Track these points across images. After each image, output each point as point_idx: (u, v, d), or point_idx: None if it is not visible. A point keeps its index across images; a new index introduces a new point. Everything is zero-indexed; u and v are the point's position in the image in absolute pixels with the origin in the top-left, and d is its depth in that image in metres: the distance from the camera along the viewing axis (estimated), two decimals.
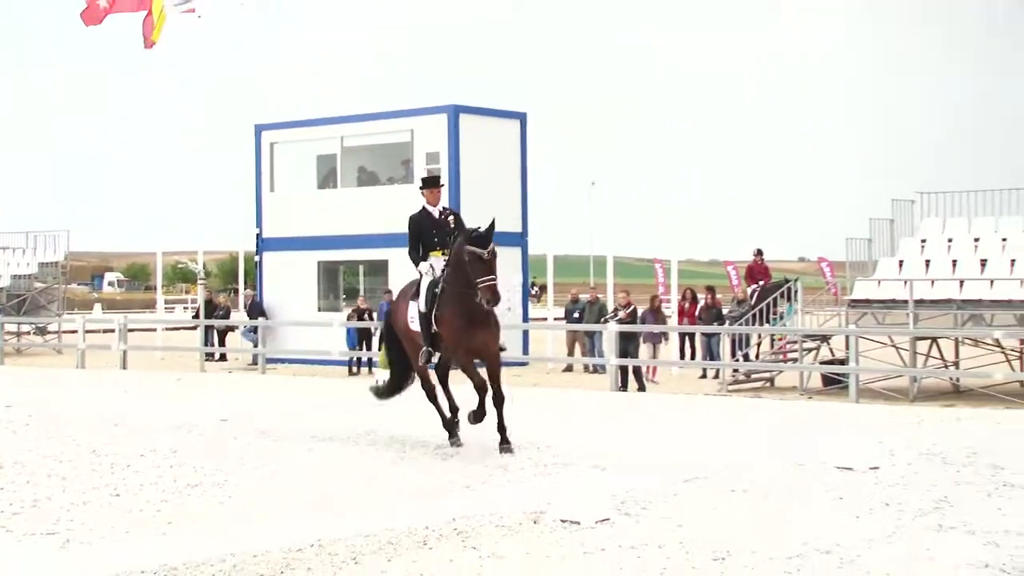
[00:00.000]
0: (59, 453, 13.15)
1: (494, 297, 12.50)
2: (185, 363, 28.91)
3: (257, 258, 30.81)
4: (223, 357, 30.92)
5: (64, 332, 37.06)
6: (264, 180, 30.29)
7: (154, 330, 38.17)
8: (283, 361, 28.42)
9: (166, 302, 52.74)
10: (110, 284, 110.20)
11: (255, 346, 28.68)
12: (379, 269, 28.48)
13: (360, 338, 27.19)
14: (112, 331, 30.53)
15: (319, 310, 28.95)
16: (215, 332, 31.20)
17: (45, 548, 8.08)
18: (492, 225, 12.82)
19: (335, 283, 29.94)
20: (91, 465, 12.30)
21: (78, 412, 17.59)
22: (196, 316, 32.48)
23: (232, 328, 31.91)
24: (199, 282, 33.10)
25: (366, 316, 26.95)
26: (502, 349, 13.63)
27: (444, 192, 14.65)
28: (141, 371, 27.08)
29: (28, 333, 38.62)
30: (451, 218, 13.79)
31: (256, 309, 29.91)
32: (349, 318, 27.35)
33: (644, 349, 23.86)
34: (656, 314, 24.98)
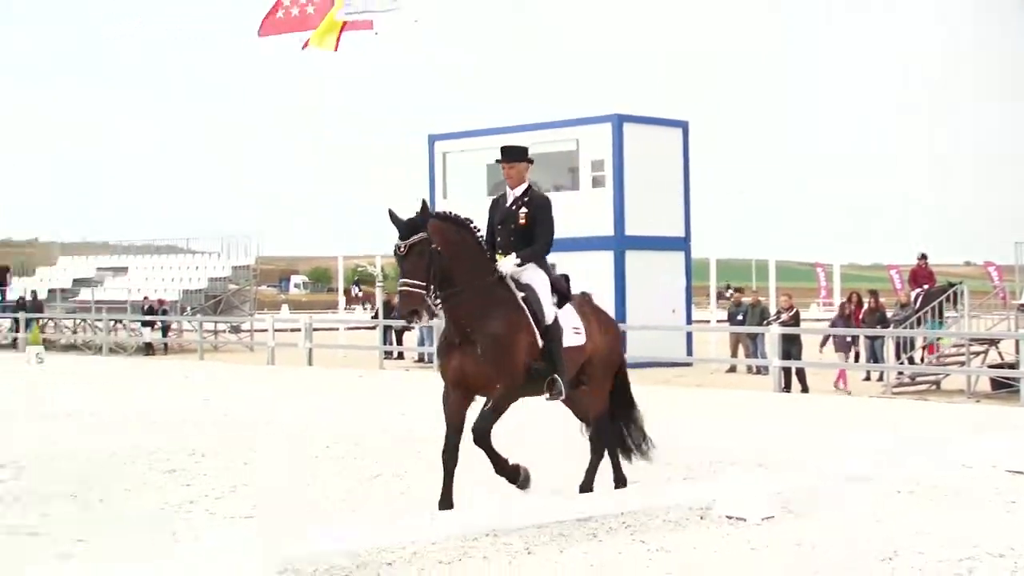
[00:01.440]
0: (254, 444, 13.48)
1: (402, 308, 8.42)
2: (365, 360, 29.36)
3: None
4: (400, 355, 31.39)
5: (255, 331, 37.93)
6: (437, 187, 30.59)
7: (336, 329, 39.20)
8: None
9: (347, 303, 53.81)
10: (296, 286, 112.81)
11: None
12: None
13: None
14: (298, 330, 31.23)
15: None
16: (393, 331, 31.60)
17: (243, 530, 8.22)
18: (423, 207, 8.54)
19: None
20: (284, 455, 12.58)
21: (271, 406, 18.04)
22: (375, 316, 32.97)
23: (408, 328, 32.28)
24: (377, 284, 33.58)
25: None
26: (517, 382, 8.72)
27: (527, 171, 9.44)
28: (325, 368, 27.73)
29: (223, 331, 39.59)
30: (523, 211, 9.15)
31: None
32: None
33: (838, 358, 23.29)
34: (848, 320, 24.27)
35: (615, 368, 9.88)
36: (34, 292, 40.54)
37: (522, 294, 8.85)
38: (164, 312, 36.70)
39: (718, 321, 34.15)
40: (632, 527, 8.64)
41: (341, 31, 27.33)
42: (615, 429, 9.95)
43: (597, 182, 27.64)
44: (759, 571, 7.36)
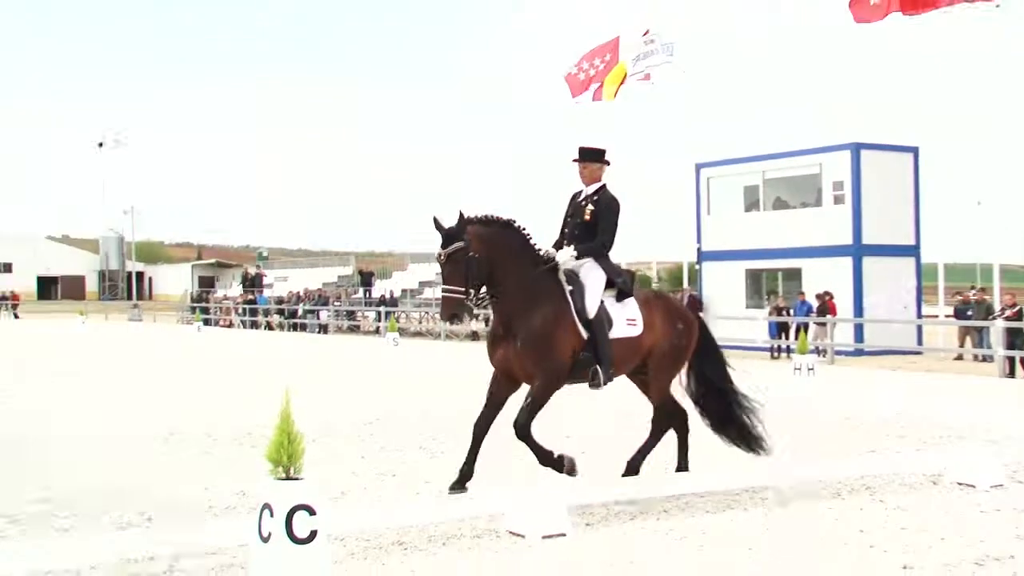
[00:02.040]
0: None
1: (443, 312, 7.62)
2: None
3: (698, 266, 31.09)
4: None
5: None
6: (702, 206, 30.59)
7: None
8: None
9: None
10: None
11: None
12: (794, 275, 28.06)
13: (779, 329, 26.71)
14: None
15: (746, 307, 28.88)
16: None
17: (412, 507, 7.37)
18: (460, 217, 7.56)
19: (758, 285, 29.55)
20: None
21: None
22: None
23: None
24: (654, 285, 33.78)
25: (784, 312, 26.63)
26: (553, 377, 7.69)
27: (602, 172, 8.24)
28: None
29: None
30: (589, 208, 8.13)
31: (695, 305, 30.21)
32: (770, 314, 27.01)
33: None
34: None
35: (682, 358, 8.45)
36: (391, 291, 43.13)
37: (570, 287, 7.84)
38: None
39: (946, 316, 32.25)
40: (871, 489, 8.21)
41: (621, 84, 27.75)
42: (736, 419, 8.61)
43: (838, 200, 26.97)
44: (987, 532, 6.86)
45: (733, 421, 8.62)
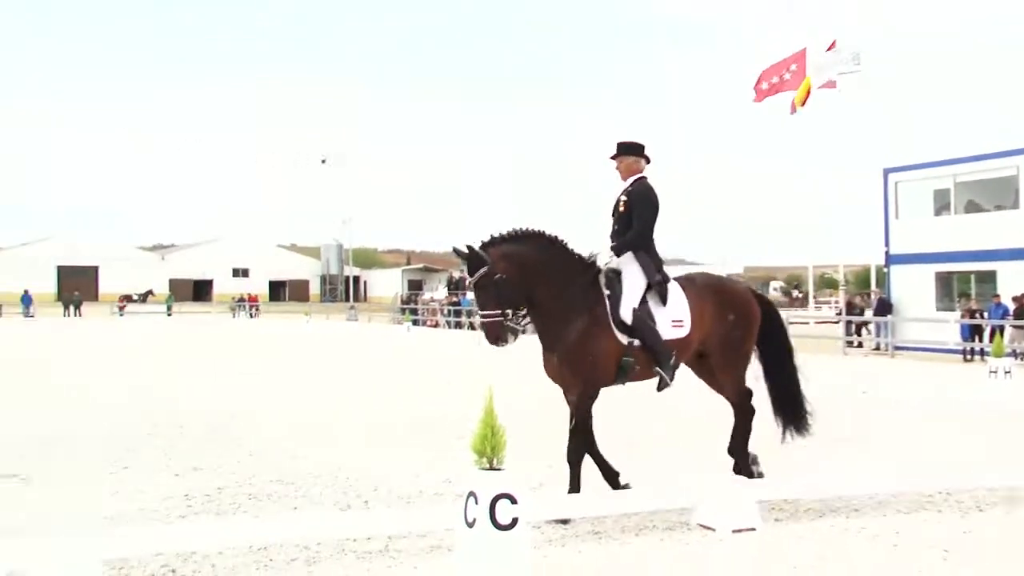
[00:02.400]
0: None
1: (487, 338, 7.00)
2: (830, 348, 28.33)
3: (886, 269, 29.77)
4: (859, 344, 30.12)
5: None
6: (891, 210, 29.19)
7: (807, 323, 38.26)
8: (907, 348, 27.12)
9: (816, 302, 52.65)
10: (773, 290, 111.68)
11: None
12: (988, 278, 26.37)
13: (972, 332, 25.16)
14: None
15: (936, 310, 27.36)
16: (853, 325, 30.42)
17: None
18: (470, 251, 6.98)
19: (949, 288, 27.93)
20: None
21: None
22: (839, 313, 31.77)
23: (866, 323, 30.87)
24: (841, 287, 32.59)
25: (977, 315, 25.06)
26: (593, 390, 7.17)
27: (638, 165, 7.53)
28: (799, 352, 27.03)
29: None
30: (623, 199, 7.48)
31: (883, 307, 28.89)
32: (962, 316, 25.49)
33: None
34: None
35: (740, 349, 7.72)
36: None
37: (608, 292, 7.19)
38: None
39: None
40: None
41: (809, 93, 27.00)
42: (791, 400, 8.02)
43: None
44: None
45: (788, 402, 8.05)
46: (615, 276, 7.28)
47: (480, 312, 7.09)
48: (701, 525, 6.60)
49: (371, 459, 9.24)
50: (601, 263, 7.32)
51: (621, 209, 7.48)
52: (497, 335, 6.96)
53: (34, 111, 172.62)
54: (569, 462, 7.10)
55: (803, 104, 27.02)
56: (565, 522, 6.71)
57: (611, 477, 7.25)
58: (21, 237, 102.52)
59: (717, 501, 6.56)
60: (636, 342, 7.14)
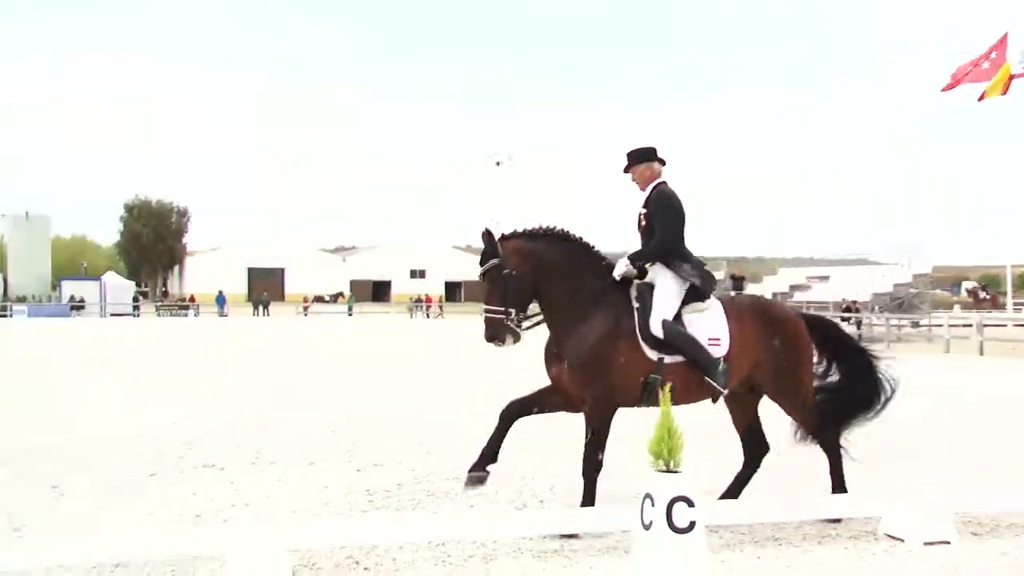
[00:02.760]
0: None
1: (486, 333, 6.57)
2: None
3: None
4: None
5: (932, 325, 37.30)
6: None
7: (1004, 326, 36.68)
8: None
9: (1014, 304, 49.74)
10: (966, 291, 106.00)
11: None
12: None
13: None
14: (969, 325, 30.02)
15: None
16: None
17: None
18: (488, 235, 6.65)
19: None
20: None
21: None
22: None
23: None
24: (1008, 288, 31.03)
25: None
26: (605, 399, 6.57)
27: (650, 172, 6.91)
28: (995, 357, 25.63)
29: (905, 326, 39.20)
30: (643, 211, 6.89)
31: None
32: None
33: None
34: None
35: (793, 377, 6.93)
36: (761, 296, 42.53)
37: (638, 304, 6.62)
38: (857, 310, 37.84)
39: None
40: None
41: (1011, 80, 25.44)
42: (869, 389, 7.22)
43: None
44: None
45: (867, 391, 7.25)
46: (647, 289, 6.71)
47: (484, 307, 6.60)
48: (889, 536, 6.32)
49: (547, 458, 9.29)
50: (617, 273, 6.70)
51: (643, 223, 6.87)
52: (495, 333, 6.51)
53: (228, 115, 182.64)
54: (584, 477, 6.61)
55: (1003, 92, 25.48)
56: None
57: (491, 447, 6.73)
58: (214, 241, 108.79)
59: (908, 512, 6.26)
60: (667, 358, 6.53)
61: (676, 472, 5.22)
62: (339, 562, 5.89)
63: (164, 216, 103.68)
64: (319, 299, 79.93)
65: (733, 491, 7.06)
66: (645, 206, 6.86)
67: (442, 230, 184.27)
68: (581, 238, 6.84)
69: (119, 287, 70.78)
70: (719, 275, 51.57)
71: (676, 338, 6.51)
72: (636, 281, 6.76)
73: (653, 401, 6.34)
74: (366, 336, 38.44)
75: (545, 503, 7.57)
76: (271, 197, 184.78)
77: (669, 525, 5.08)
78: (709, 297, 6.77)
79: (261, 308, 68.85)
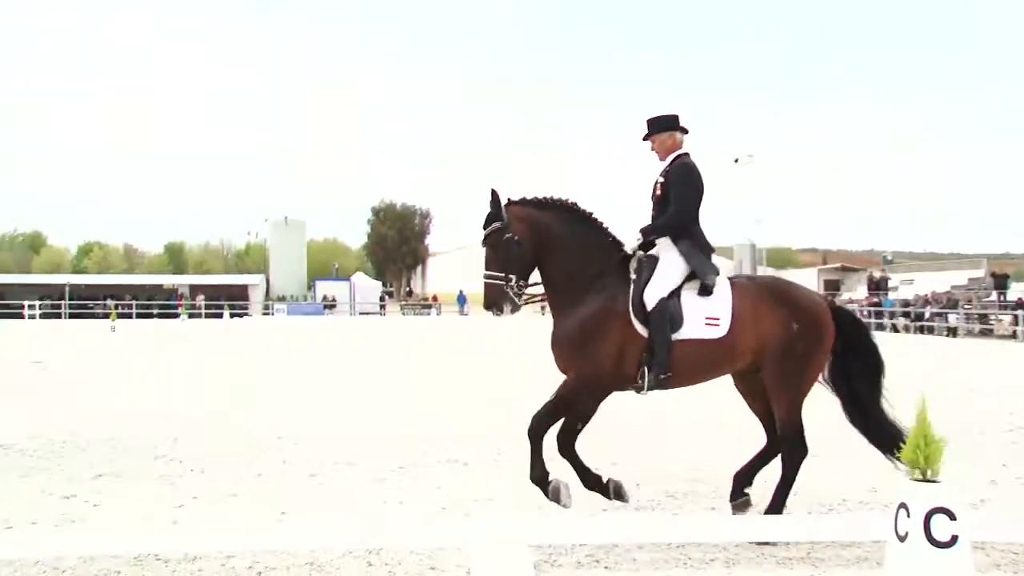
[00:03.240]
0: None
1: (485, 300, 6.36)
2: None
3: None
4: None
5: None
6: None
7: None
8: None
9: None
10: None
11: None
12: None
13: None
14: None
15: None
16: None
17: None
18: (494, 196, 6.35)
19: None
20: None
21: None
22: None
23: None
24: None
25: None
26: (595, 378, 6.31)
27: (674, 140, 6.62)
28: None
29: None
30: (660, 180, 6.59)
31: None
32: None
33: None
34: None
35: (804, 368, 6.39)
36: None
37: (635, 276, 6.31)
38: None
39: None
40: None
41: None
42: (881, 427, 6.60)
43: None
44: None
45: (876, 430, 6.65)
46: (648, 262, 6.43)
47: (484, 272, 6.36)
48: None
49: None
50: (629, 247, 6.47)
51: (658, 192, 6.56)
52: (494, 301, 6.31)
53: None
54: (531, 438, 6.41)
55: None
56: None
57: (587, 477, 6.59)
58: (455, 242, 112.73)
59: None
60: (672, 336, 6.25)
61: (934, 482, 4.93)
62: (580, 560, 5.96)
63: (408, 219, 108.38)
64: None
65: (743, 480, 6.73)
66: (664, 176, 6.56)
67: None
68: (591, 213, 6.58)
69: (367, 287, 74.88)
70: (978, 273, 48.20)
71: (655, 317, 6.21)
72: (639, 253, 6.50)
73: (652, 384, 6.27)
74: None
75: (789, 508, 7.33)
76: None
77: (928, 538, 4.80)
78: (711, 278, 6.37)
79: None
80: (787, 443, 6.50)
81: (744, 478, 6.77)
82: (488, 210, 6.36)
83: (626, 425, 11.86)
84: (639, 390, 6.37)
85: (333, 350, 28.06)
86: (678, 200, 6.45)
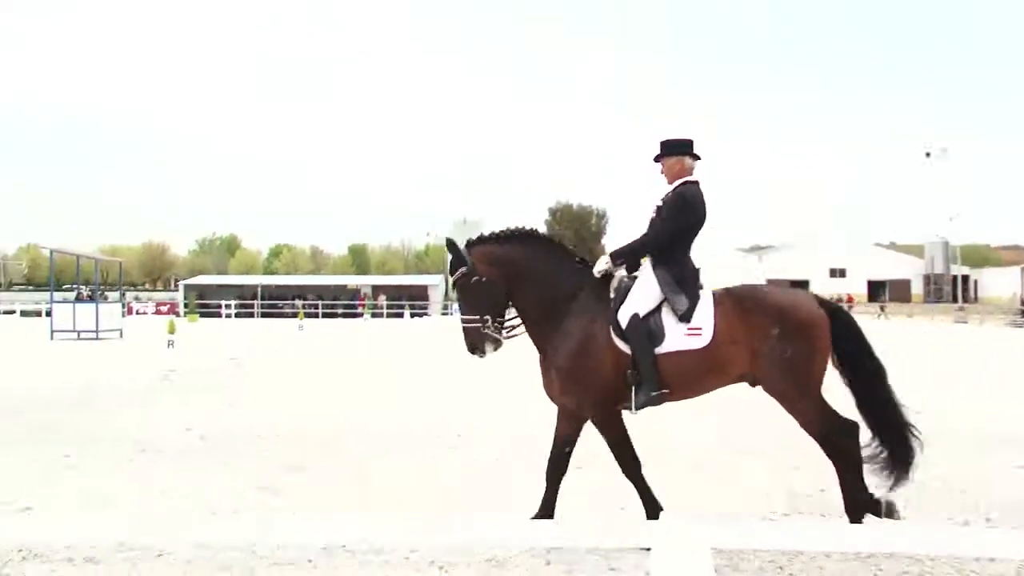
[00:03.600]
0: None
1: (465, 342, 6.43)
2: None
3: None
4: None
5: None
6: None
7: None
8: None
9: None
10: None
11: None
12: None
13: None
14: None
15: None
16: None
17: None
18: (451, 244, 6.55)
19: None
20: None
21: None
22: None
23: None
24: None
25: None
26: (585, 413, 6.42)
27: (682, 166, 6.51)
28: None
29: None
30: (658, 204, 6.51)
31: None
32: None
33: None
34: None
35: (799, 370, 6.11)
36: None
37: (613, 296, 6.33)
38: None
39: None
40: None
41: None
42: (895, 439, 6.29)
43: None
44: None
45: (890, 441, 6.32)
46: (628, 283, 6.41)
47: (460, 317, 6.48)
48: None
49: (986, 470, 8.52)
50: (597, 269, 6.46)
51: (652, 214, 6.52)
52: (474, 343, 6.40)
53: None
54: (549, 479, 6.51)
55: None
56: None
57: (649, 504, 6.45)
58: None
59: None
60: (657, 349, 6.19)
61: None
62: (762, 565, 5.83)
63: (584, 219, 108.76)
64: None
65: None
66: (662, 200, 6.52)
67: (863, 226, 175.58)
68: (551, 238, 6.70)
69: None
70: None
71: (633, 333, 6.17)
72: (619, 274, 6.47)
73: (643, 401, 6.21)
74: None
75: (993, 520, 6.94)
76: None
77: None
78: (681, 306, 6.25)
79: None
80: (826, 442, 6.27)
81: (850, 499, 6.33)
82: (454, 255, 6.51)
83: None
84: (630, 408, 6.33)
85: (515, 348, 28.39)
86: (655, 227, 6.47)
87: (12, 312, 69.35)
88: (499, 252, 6.51)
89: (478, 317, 6.41)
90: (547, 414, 6.98)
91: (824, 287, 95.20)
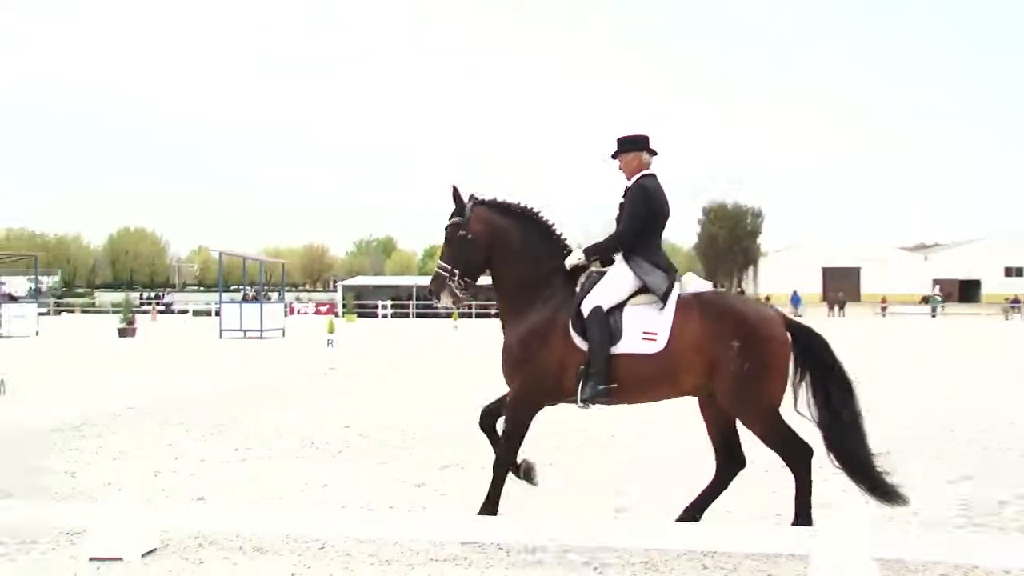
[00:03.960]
0: None
1: (430, 285, 6.57)
2: None
3: None
4: None
5: None
6: None
7: None
8: None
9: None
10: None
11: None
12: None
13: None
14: None
15: None
16: None
17: None
18: (455, 193, 6.59)
19: None
20: None
21: None
22: None
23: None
24: None
25: None
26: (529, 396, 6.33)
27: (639, 161, 6.47)
28: None
29: None
30: (620, 202, 6.50)
31: None
32: None
33: None
34: None
35: (755, 385, 5.97)
36: None
37: (579, 291, 6.31)
38: None
39: None
40: None
41: None
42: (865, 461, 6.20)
43: None
44: None
45: (862, 463, 6.20)
46: (596, 276, 6.39)
47: (437, 262, 6.58)
48: None
49: None
50: (568, 262, 6.45)
51: (616, 212, 6.54)
52: (437, 289, 6.50)
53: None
54: (495, 470, 6.48)
55: None
56: None
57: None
58: (789, 240, 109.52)
59: None
60: (614, 349, 6.11)
61: None
62: None
63: (739, 218, 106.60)
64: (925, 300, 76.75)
65: (693, 512, 6.32)
66: (623, 196, 6.51)
67: None
68: (552, 224, 6.62)
69: (698, 288, 74.44)
70: None
71: (592, 324, 6.11)
72: (591, 268, 6.48)
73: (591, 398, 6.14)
74: (951, 338, 35.91)
75: None
76: (848, 194, 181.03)
77: None
78: (662, 294, 6.20)
79: (836, 308, 67.85)
80: (781, 453, 6.16)
81: (693, 511, 6.38)
82: (457, 203, 6.59)
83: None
84: (577, 402, 6.28)
85: None
86: (625, 221, 6.43)
87: (185, 311, 73.24)
88: (498, 221, 6.59)
89: (450, 268, 6.53)
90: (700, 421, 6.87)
91: (997, 286, 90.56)
